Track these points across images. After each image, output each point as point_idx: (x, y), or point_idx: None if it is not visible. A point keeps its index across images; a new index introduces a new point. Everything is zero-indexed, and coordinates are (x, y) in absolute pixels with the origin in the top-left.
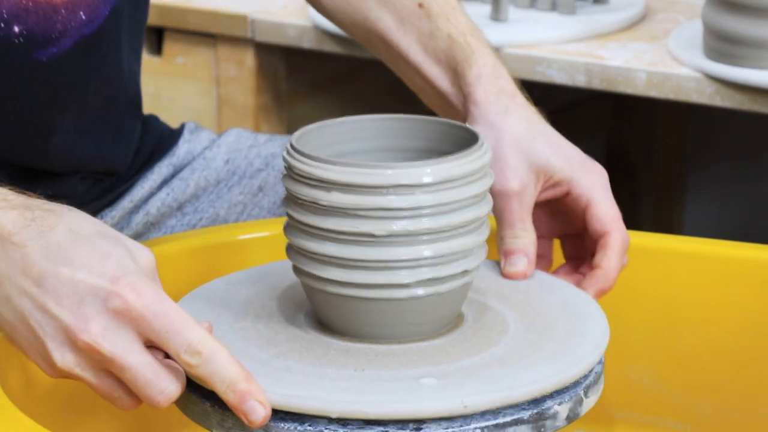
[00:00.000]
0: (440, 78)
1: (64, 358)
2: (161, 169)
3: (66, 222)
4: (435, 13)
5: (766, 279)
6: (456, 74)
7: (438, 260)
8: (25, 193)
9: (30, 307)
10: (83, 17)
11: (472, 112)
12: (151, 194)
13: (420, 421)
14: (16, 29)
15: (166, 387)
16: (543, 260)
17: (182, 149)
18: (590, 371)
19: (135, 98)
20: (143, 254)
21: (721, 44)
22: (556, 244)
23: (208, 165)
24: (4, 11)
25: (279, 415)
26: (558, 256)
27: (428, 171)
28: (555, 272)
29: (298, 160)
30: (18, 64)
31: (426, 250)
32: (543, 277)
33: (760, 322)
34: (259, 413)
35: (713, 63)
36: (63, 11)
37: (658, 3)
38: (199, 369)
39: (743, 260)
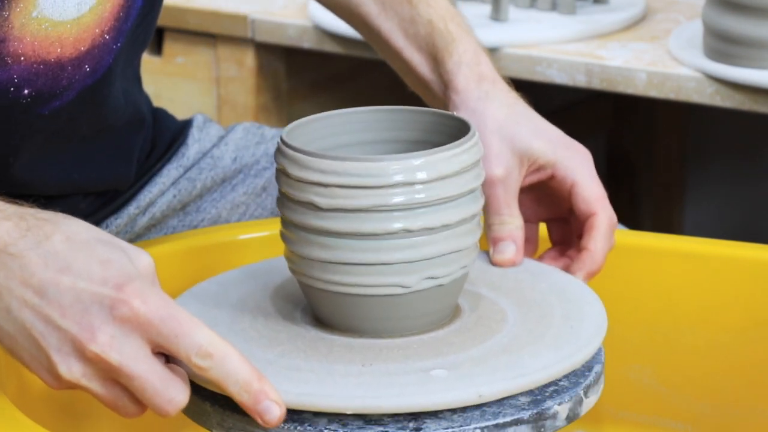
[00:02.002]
0: (421, 64)
1: (70, 369)
2: (170, 171)
3: (62, 230)
4: None
5: (766, 279)
6: (436, 61)
7: (438, 258)
8: (16, 203)
9: (32, 319)
10: (87, 69)
11: (453, 99)
12: (159, 197)
13: (420, 421)
14: (26, 91)
15: (174, 396)
16: (529, 244)
17: (192, 150)
18: (591, 369)
19: (134, 117)
20: (142, 259)
21: (721, 44)
22: (542, 228)
23: (216, 164)
24: (15, 76)
25: None
26: (543, 241)
27: (424, 165)
28: (541, 257)
29: (294, 159)
30: (21, 119)
31: (426, 249)
32: (530, 264)
33: (760, 322)
34: (274, 413)
35: (713, 63)
36: (69, 68)
37: (658, 3)
38: (211, 372)
39: (743, 260)
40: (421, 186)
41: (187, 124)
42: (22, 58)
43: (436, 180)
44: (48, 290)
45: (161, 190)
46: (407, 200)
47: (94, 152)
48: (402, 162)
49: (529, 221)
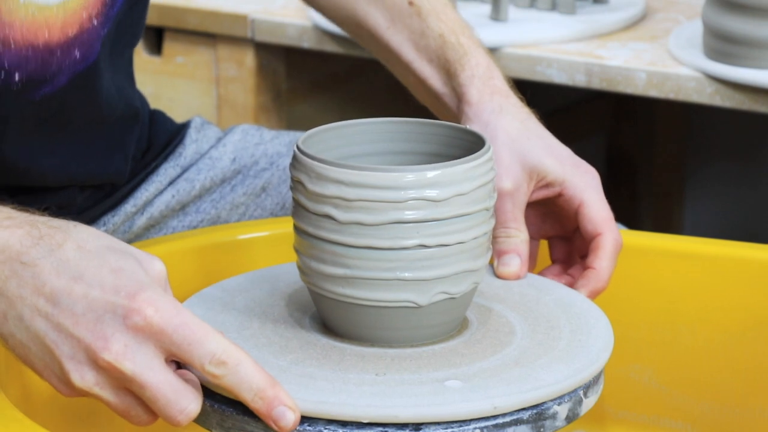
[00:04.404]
0: (432, 77)
1: (83, 377)
2: (167, 170)
3: (74, 238)
4: (425, 11)
5: (766, 279)
6: (449, 75)
7: (452, 276)
8: (28, 210)
9: (45, 327)
10: (77, 56)
11: (466, 112)
12: (156, 196)
13: (421, 422)
14: (17, 77)
15: (186, 405)
16: (529, 260)
17: (189, 149)
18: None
19: (127, 111)
20: (154, 265)
21: (721, 44)
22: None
23: (214, 165)
24: (6, 62)
25: None
26: (543, 258)
27: (442, 177)
28: (542, 273)
29: (311, 169)
30: (11, 105)
31: (440, 267)
32: (534, 278)
33: (760, 322)
34: (288, 419)
35: (713, 63)
36: (59, 53)
37: (658, 3)
38: (225, 379)
39: (743, 260)
40: (438, 201)
41: (184, 126)
42: (12, 44)
43: (453, 196)
44: (61, 299)
45: (158, 189)
46: (425, 214)
47: (88, 144)
48: (420, 173)
49: (532, 237)
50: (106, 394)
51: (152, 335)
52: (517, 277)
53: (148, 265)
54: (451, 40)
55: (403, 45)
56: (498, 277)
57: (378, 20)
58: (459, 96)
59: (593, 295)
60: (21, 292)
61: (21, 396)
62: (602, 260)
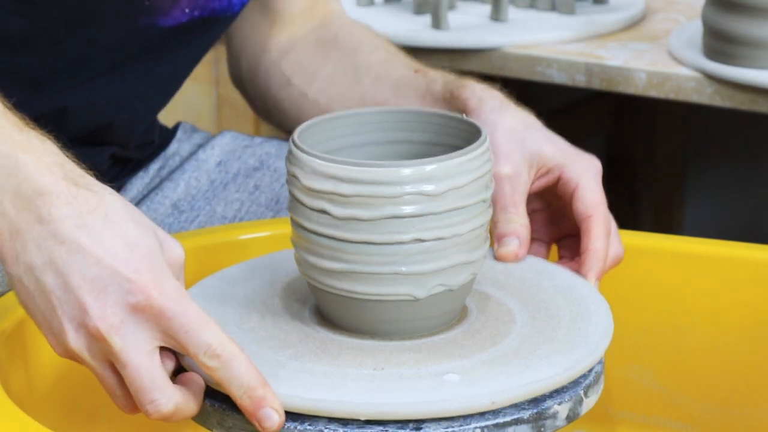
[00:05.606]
0: None
1: (77, 340)
2: (151, 169)
3: (105, 206)
4: (431, 71)
5: (766, 279)
6: (453, 98)
7: (449, 269)
8: (77, 163)
9: (53, 283)
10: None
11: (469, 116)
12: (142, 198)
13: (420, 420)
14: None
15: (156, 399)
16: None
17: (171, 149)
18: (592, 369)
19: (159, 105)
20: (173, 249)
21: (721, 44)
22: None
23: (200, 167)
24: None
25: None
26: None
27: (438, 171)
28: None
29: (306, 164)
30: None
31: (437, 259)
32: (535, 261)
33: (761, 322)
34: (273, 420)
35: (713, 63)
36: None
37: (658, 3)
38: (217, 372)
39: (743, 260)
40: (434, 195)
41: (172, 130)
42: None
43: (449, 190)
44: (76, 259)
45: (142, 185)
46: (421, 209)
47: (134, 80)
48: (415, 168)
49: (541, 240)
50: (95, 363)
51: (151, 317)
52: (516, 258)
53: (167, 247)
54: (451, 78)
55: (410, 103)
56: (497, 259)
57: (385, 94)
58: (462, 110)
59: (598, 276)
60: (40, 241)
61: (24, 389)
62: (595, 241)
